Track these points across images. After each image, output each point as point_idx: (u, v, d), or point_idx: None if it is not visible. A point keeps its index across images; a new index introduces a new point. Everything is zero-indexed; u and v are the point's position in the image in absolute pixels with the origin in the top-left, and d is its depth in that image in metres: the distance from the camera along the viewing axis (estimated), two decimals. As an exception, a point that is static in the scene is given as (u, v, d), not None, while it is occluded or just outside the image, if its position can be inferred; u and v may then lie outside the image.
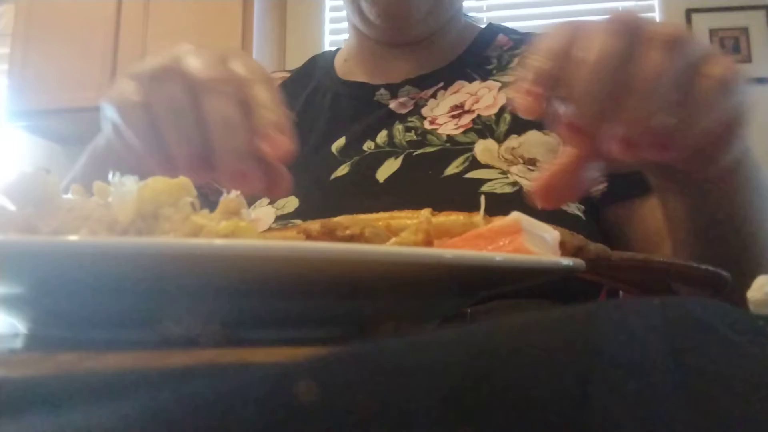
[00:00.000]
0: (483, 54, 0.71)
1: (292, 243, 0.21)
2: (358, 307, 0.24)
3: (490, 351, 0.13)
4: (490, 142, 0.60)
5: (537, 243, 0.28)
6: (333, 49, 0.84)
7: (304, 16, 2.60)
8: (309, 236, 0.27)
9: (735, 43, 2.30)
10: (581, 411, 0.13)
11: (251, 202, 0.62)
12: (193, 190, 0.26)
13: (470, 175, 0.57)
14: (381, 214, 0.33)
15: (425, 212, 0.31)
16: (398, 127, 0.65)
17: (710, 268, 0.35)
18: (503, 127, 0.62)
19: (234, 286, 0.22)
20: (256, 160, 0.33)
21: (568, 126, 0.32)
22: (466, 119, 0.63)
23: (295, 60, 0.92)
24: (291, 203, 0.60)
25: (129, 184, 0.25)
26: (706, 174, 0.38)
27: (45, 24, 2.42)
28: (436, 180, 0.58)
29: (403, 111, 0.67)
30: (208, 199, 0.63)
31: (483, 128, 0.62)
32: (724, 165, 0.37)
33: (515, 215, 0.28)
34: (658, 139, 0.31)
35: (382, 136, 0.65)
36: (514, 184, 0.56)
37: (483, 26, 0.76)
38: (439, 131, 0.63)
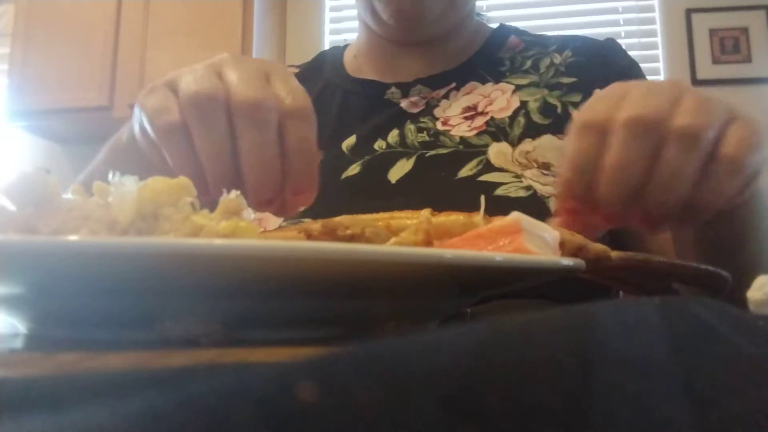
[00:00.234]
0: (495, 55, 0.70)
1: (292, 243, 0.21)
2: (358, 307, 0.24)
3: (490, 351, 0.13)
4: (504, 146, 0.60)
5: (537, 243, 0.28)
6: (332, 47, 0.83)
7: (304, 16, 2.60)
8: (309, 236, 0.27)
9: (735, 43, 2.30)
10: (581, 411, 0.13)
11: None
12: (193, 190, 0.26)
13: (484, 178, 0.57)
14: (381, 214, 0.33)
15: (425, 212, 0.31)
16: (410, 127, 0.65)
17: (710, 268, 0.35)
18: (517, 131, 0.61)
19: (234, 286, 0.22)
20: (283, 189, 0.35)
21: (599, 214, 0.36)
22: (480, 121, 0.63)
23: (295, 60, 0.91)
24: None
25: (129, 184, 0.25)
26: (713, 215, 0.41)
27: (45, 24, 2.42)
28: (449, 182, 0.58)
29: (415, 110, 0.67)
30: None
31: (497, 131, 0.62)
32: (741, 200, 0.39)
33: (515, 215, 0.28)
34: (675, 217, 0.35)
35: (393, 136, 0.64)
36: (528, 188, 0.56)
37: (494, 26, 0.76)
38: (452, 133, 0.63)
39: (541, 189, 0.56)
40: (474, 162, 0.59)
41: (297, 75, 0.77)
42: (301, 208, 0.39)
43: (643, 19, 2.41)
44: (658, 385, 0.13)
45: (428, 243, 0.26)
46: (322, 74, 0.75)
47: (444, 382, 0.13)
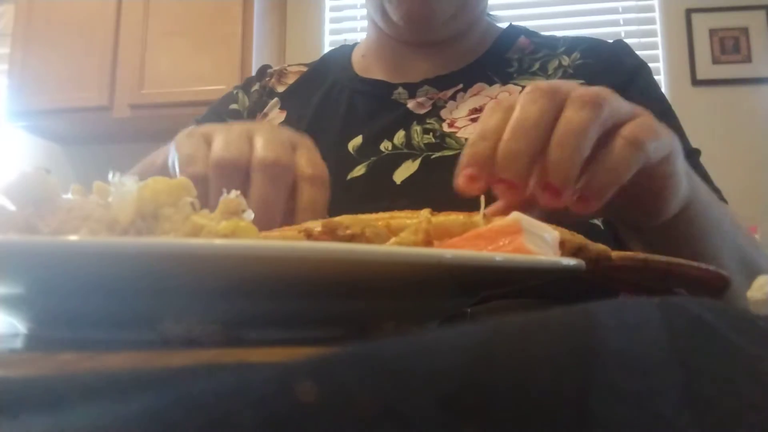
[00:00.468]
0: (504, 56, 0.70)
1: (292, 243, 0.21)
2: (358, 307, 0.24)
3: (490, 351, 0.13)
4: None
5: (537, 243, 0.28)
6: (338, 46, 0.83)
7: (304, 16, 2.60)
8: (310, 236, 0.27)
9: (735, 43, 2.30)
10: (581, 411, 0.13)
11: None
12: (193, 190, 0.26)
13: None
14: (381, 214, 0.33)
15: (425, 212, 0.31)
16: (416, 129, 0.65)
17: (711, 267, 0.35)
18: None
19: (234, 286, 0.22)
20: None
21: (500, 182, 0.36)
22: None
23: (295, 60, 0.91)
24: None
25: (129, 184, 0.25)
26: (657, 223, 0.42)
27: (45, 24, 2.42)
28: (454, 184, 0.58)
29: (421, 111, 0.67)
30: None
31: None
32: (669, 214, 0.41)
33: (515, 215, 0.28)
34: (578, 192, 0.35)
35: (399, 137, 0.64)
36: None
37: (504, 26, 0.75)
38: (458, 135, 0.63)
39: None
40: None
41: (305, 74, 0.77)
42: None
43: (643, 19, 2.41)
44: (658, 385, 0.13)
45: (428, 243, 0.26)
46: (329, 73, 0.75)
47: (444, 382, 0.13)
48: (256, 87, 0.78)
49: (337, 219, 0.29)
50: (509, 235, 0.27)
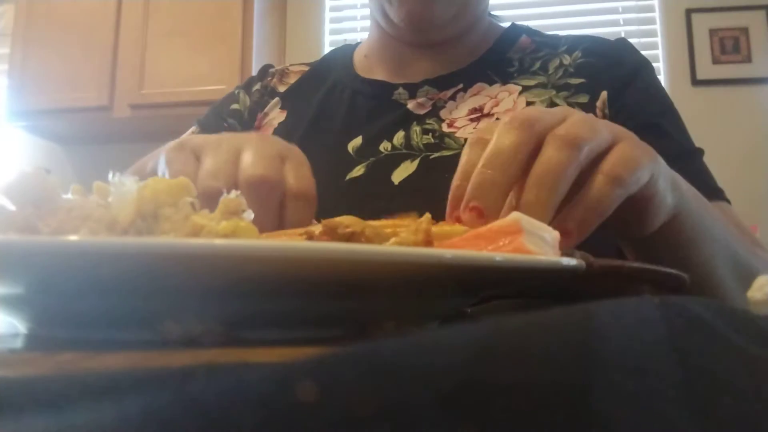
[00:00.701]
0: (505, 56, 0.70)
1: (292, 243, 0.21)
2: (358, 307, 0.24)
3: (490, 351, 0.13)
4: None
5: (537, 243, 0.28)
6: (339, 46, 0.83)
7: (304, 16, 2.60)
8: (310, 238, 0.27)
9: (735, 43, 2.30)
10: (581, 411, 0.13)
11: None
12: (193, 190, 0.26)
13: None
14: (384, 221, 0.34)
15: (425, 218, 0.31)
16: (416, 129, 0.64)
17: (670, 270, 0.35)
18: None
19: (234, 286, 0.22)
20: None
21: (470, 209, 0.35)
22: (485, 123, 0.63)
23: (295, 60, 0.91)
24: None
25: (129, 184, 0.25)
26: (641, 236, 0.42)
27: (45, 24, 2.42)
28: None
29: (421, 112, 0.66)
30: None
31: None
32: (654, 228, 0.41)
33: (515, 215, 0.28)
34: (559, 227, 0.34)
35: (399, 137, 0.64)
36: None
37: (506, 25, 0.75)
38: (457, 135, 0.62)
39: None
40: None
41: (306, 73, 0.77)
42: None
43: (643, 19, 2.41)
44: (658, 385, 0.13)
45: (428, 243, 0.26)
46: (330, 73, 0.75)
47: (444, 381, 0.13)
48: (257, 86, 0.78)
49: (338, 219, 0.29)
50: (509, 235, 0.27)
